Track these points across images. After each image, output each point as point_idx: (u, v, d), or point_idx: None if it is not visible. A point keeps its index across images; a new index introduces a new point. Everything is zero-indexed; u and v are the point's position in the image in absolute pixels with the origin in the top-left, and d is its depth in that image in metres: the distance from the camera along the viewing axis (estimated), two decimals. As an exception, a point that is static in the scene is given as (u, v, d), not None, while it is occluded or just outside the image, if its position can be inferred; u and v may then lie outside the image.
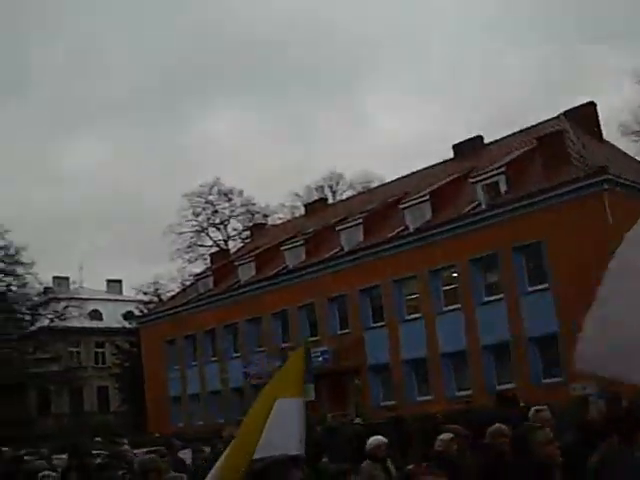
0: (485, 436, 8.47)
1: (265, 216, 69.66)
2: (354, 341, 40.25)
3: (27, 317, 63.94)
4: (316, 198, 60.91)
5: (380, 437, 10.86)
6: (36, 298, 63.33)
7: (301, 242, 45.76)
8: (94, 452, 16.27)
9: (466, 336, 35.51)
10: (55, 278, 69.39)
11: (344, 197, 62.87)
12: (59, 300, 63.58)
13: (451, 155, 46.09)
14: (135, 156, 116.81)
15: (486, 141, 44.66)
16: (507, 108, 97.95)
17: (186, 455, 16.75)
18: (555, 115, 40.35)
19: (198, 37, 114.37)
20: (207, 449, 15.93)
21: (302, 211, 59.38)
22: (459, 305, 36.20)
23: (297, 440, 6.56)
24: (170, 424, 46.07)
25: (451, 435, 9.30)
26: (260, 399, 6.51)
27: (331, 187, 70.33)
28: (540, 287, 33.29)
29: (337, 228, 43.87)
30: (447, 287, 37.37)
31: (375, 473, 10.05)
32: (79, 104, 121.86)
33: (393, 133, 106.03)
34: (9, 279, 62.20)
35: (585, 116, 38.86)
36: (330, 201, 60.01)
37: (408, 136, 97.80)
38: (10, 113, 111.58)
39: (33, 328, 63.25)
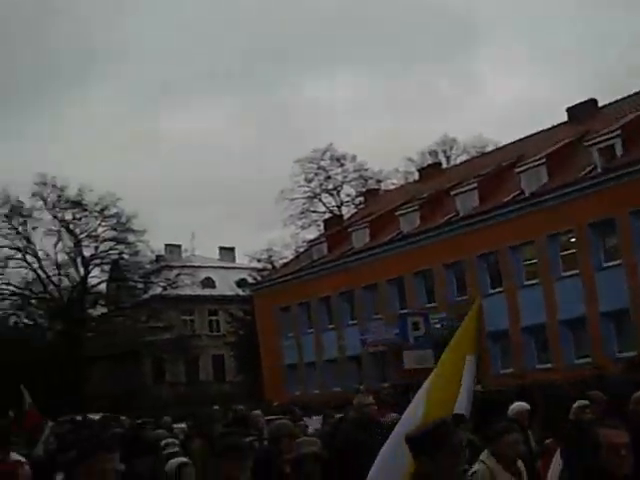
0: (620, 403, 9.07)
1: (378, 181, 71.18)
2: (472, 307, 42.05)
3: (140, 285, 67.00)
4: (430, 163, 62.54)
5: (523, 403, 11.26)
6: (148, 266, 66.12)
7: (416, 207, 47.72)
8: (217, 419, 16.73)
9: (585, 302, 37.26)
10: (167, 246, 72.30)
11: (458, 162, 64.46)
12: (171, 268, 66.18)
13: (565, 119, 47.32)
14: (247, 122, 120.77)
15: (600, 104, 45.79)
16: (621, 74, 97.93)
17: (313, 422, 18.36)
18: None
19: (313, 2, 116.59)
20: (337, 415, 16.22)
21: (416, 176, 61.21)
22: (577, 271, 37.92)
23: (467, 399, 7.15)
24: (286, 393, 48.51)
25: (586, 402, 9.99)
26: (450, 354, 6.81)
27: (445, 152, 71.41)
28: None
29: (452, 193, 45.85)
30: (565, 252, 39.15)
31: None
32: (191, 71, 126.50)
33: (506, 98, 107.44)
34: (121, 247, 65.41)
35: None
36: (444, 166, 61.41)
37: (521, 101, 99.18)
38: (122, 81, 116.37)
39: (146, 296, 66.23)
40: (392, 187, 66.74)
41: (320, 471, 6.85)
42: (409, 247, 46.29)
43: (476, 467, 7.55)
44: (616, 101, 44.79)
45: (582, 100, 46.71)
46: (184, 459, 8.41)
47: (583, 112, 45.24)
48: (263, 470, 7.44)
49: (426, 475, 4.88)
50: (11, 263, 65.14)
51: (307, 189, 72.13)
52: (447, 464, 4.86)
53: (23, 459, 9.59)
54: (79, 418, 24.48)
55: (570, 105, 47.17)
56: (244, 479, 5.84)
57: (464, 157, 66.52)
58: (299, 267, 55.52)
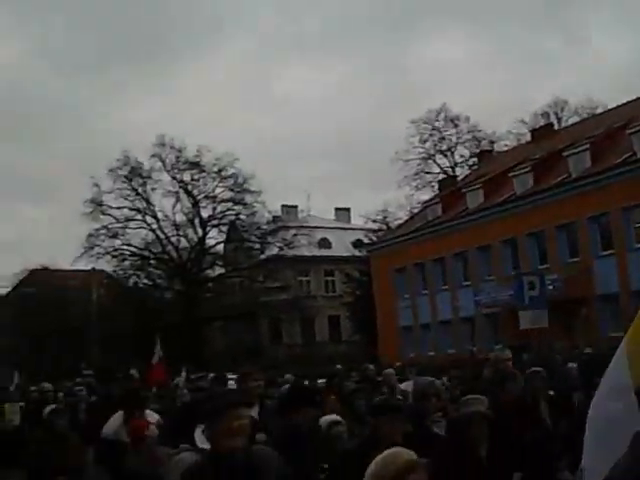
0: None
1: (491, 143, 72.74)
2: (583, 270, 44.08)
3: (256, 246, 69.69)
4: (542, 124, 63.88)
5: None
6: (265, 227, 68.60)
7: (529, 168, 49.66)
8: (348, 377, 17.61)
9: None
10: (283, 207, 74.78)
11: (569, 123, 65.68)
12: (288, 229, 68.71)
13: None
14: (362, 82, 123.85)
15: None
16: None
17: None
18: None
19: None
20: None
21: (528, 138, 62.70)
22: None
23: None
24: (401, 354, 50.26)
25: None
26: None
27: (556, 114, 72.46)
28: None
29: (564, 154, 47.68)
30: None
31: None
32: (303, 31, 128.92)
33: (617, 59, 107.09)
34: (238, 208, 68.19)
35: None
36: (556, 127, 62.76)
37: (632, 62, 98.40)
38: (238, 44, 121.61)
39: (262, 257, 68.78)
40: (505, 148, 68.39)
41: (488, 433, 7.00)
42: (522, 208, 48.15)
43: None
44: None
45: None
46: (336, 417, 8.39)
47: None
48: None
49: None
50: (131, 224, 68.87)
51: (421, 150, 74.17)
52: None
53: (156, 416, 10.33)
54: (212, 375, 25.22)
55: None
56: (400, 439, 6.11)
57: (575, 119, 67.65)
58: (414, 228, 57.85)
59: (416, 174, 74.31)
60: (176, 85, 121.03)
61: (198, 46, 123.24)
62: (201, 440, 6.11)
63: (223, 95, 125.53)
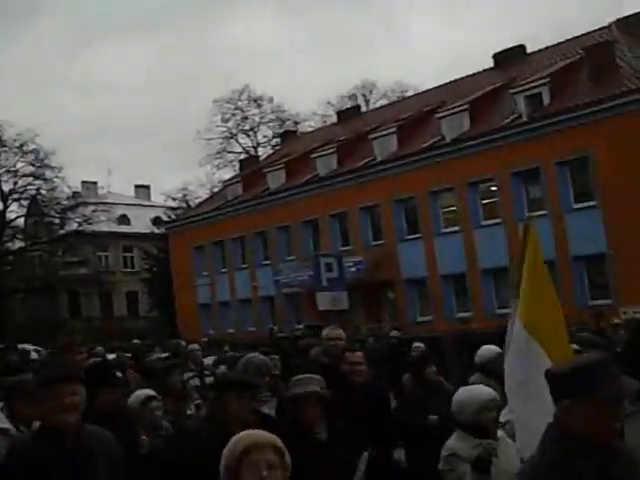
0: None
1: (296, 123, 68.26)
2: (388, 253, 38.78)
3: (56, 221, 63.80)
4: (349, 106, 59.03)
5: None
6: (65, 202, 62.82)
7: (333, 150, 43.89)
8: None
9: (508, 251, 33.51)
10: (84, 183, 68.71)
11: (378, 106, 60.73)
12: (87, 204, 62.99)
13: (492, 65, 43.70)
14: (166, 62, 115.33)
15: (529, 51, 42.29)
16: (554, 20, 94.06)
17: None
18: (605, 25, 37.85)
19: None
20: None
21: (334, 119, 57.46)
22: (499, 220, 34.31)
23: None
24: (200, 331, 44.87)
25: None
26: (539, 277, 5.59)
27: (364, 96, 68.25)
28: (586, 204, 31.53)
29: (370, 137, 42.00)
30: (486, 201, 35.57)
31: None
32: (111, 11, 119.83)
33: (429, 43, 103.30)
34: (39, 183, 62.18)
35: (637, 26, 35.93)
36: (363, 110, 57.76)
37: (445, 46, 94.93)
38: (43, 22, 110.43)
39: (62, 232, 63.07)
40: (310, 130, 63.08)
41: (324, 414, 6.04)
42: (325, 189, 42.39)
43: None
44: (546, 48, 41.16)
45: (510, 46, 42.96)
46: (151, 392, 7.07)
47: (511, 58, 41.56)
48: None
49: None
50: None
51: (224, 129, 69.05)
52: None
53: None
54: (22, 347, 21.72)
55: (497, 51, 43.52)
56: (250, 417, 5.48)
57: (384, 102, 62.96)
58: (214, 207, 51.29)
59: (218, 153, 69.20)
60: None
61: (9, 22, 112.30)
62: (1, 420, 5.68)
63: (27, 71, 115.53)
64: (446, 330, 27.60)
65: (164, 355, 15.55)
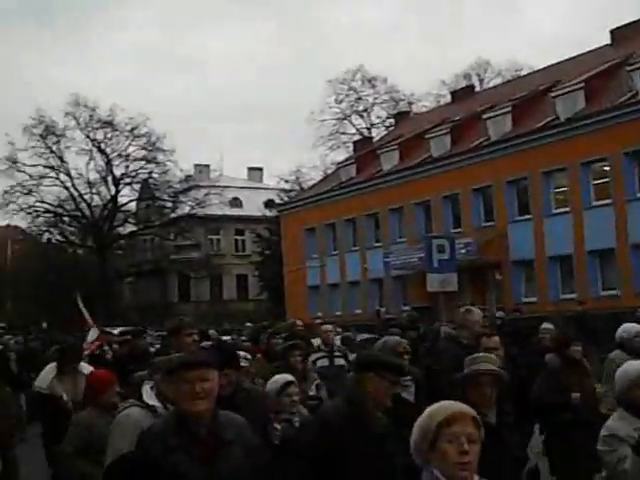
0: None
1: (410, 104, 69.22)
2: (498, 234, 40.39)
3: (168, 204, 67.03)
4: (463, 86, 59.94)
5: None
6: (177, 186, 65.93)
7: (446, 130, 45.63)
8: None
9: (615, 233, 35.09)
10: (196, 166, 71.79)
11: (492, 85, 61.87)
12: (200, 188, 65.84)
13: (608, 41, 44.51)
14: (279, 42, 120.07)
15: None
16: None
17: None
18: None
19: None
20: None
21: (448, 99, 58.83)
22: (610, 201, 35.60)
23: None
24: (308, 313, 46.75)
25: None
26: None
27: (478, 75, 69.10)
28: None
29: (484, 116, 43.56)
30: (598, 181, 36.80)
31: None
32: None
33: (544, 20, 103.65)
34: (151, 166, 65.74)
35: None
36: (477, 89, 58.95)
37: (559, 24, 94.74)
38: (152, 4, 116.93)
39: (174, 215, 66.11)
40: (424, 110, 64.57)
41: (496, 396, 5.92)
42: (438, 170, 44.15)
43: None
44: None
45: (628, 22, 43.44)
46: (289, 376, 7.18)
47: (628, 34, 41.98)
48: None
49: None
50: (45, 181, 66.64)
51: (337, 110, 70.60)
52: None
53: (91, 368, 9.53)
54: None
55: (614, 27, 44.24)
56: (389, 400, 5.57)
57: (498, 81, 64.00)
58: (327, 188, 53.72)
59: (331, 135, 70.84)
60: (92, 43, 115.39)
61: (110, 6, 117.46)
62: (149, 396, 5.84)
63: (140, 55, 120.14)
64: (555, 311, 28.92)
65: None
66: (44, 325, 25.20)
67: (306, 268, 52.74)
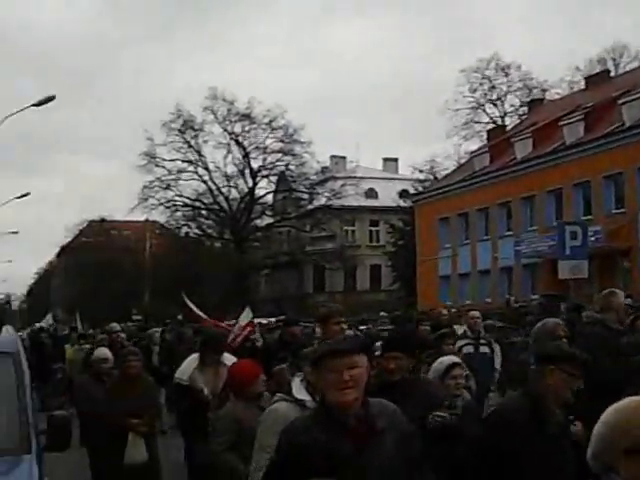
0: None
1: (543, 91, 68.92)
2: (628, 221, 41.41)
3: (305, 196, 69.19)
4: (597, 71, 59.61)
5: None
6: (314, 177, 68.07)
7: (580, 117, 46.66)
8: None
9: None
10: (332, 157, 73.89)
11: (628, 70, 61.13)
12: (336, 179, 67.77)
13: None
14: (410, 33, 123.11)
15: None
16: None
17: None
18: None
19: None
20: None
21: (582, 85, 59.11)
22: None
23: None
24: (438, 303, 46.19)
25: None
26: None
27: (614, 60, 67.99)
28: None
29: (619, 102, 44.47)
30: None
31: None
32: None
33: None
34: (288, 158, 68.01)
35: None
36: (613, 74, 58.65)
37: None
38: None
39: (310, 207, 68.39)
40: (557, 97, 64.72)
41: None
42: (571, 158, 45.39)
43: None
44: None
45: None
46: (454, 358, 7.51)
47: None
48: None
49: None
50: (183, 176, 69.45)
51: (471, 99, 70.90)
52: None
53: (233, 359, 9.50)
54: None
55: None
56: (570, 395, 5.43)
57: (635, 65, 62.72)
58: (460, 178, 55.63)
59: (465, 124, 70.97)
60: (229, 39, 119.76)
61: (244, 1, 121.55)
62: (299, 390, 5.92)
63: (272, 48, 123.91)
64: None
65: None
66: (179, 317, 26.83)
67: (438, 258, 54.77)
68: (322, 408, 4.47)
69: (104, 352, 11.34)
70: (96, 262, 72.30)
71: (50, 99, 39.39)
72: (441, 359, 7.25)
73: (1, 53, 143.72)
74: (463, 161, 63.09)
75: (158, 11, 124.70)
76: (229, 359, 9.55)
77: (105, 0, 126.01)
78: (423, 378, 6.85)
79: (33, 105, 39.57)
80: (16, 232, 73.46)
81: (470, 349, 11.86)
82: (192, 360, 9.90)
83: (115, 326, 18.78)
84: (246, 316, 16.10)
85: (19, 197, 53.11)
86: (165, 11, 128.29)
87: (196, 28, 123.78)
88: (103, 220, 78.61)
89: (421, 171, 67.78)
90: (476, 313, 13.62)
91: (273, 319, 22.81)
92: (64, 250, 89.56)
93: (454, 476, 5.89)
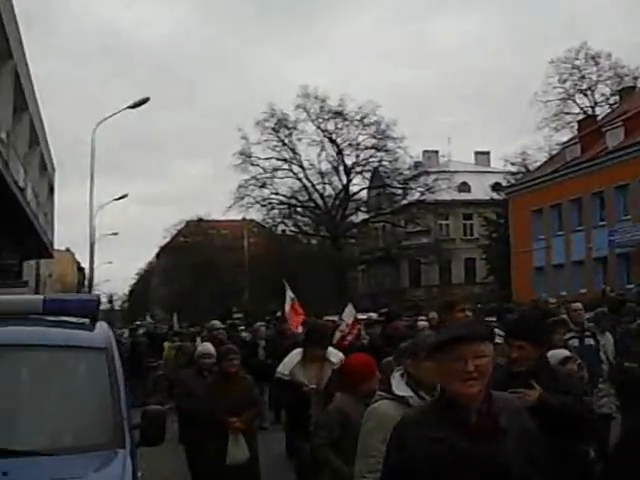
0: None
1: (635, 79, 67.58)
2: None
3: (398, 191, 69.38)
4: None
5: None
6: (407, 172, 68.39)
7: (672, 104, 46.52)
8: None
9: None
10: (425, 152, 73.65)
11: None
12: (429, 174, 67.73)
13: None
14: (501, 26, 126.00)
15: None
16: None
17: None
18: None
19: None
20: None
21: (677, 69, 58.42)
22: None
23: None
24: (533, 294, 46.13)
25: None
26: None
27: None
28: None
29: None
30: None
31: None
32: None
33: None
34: (381, 154, 68.38)
35: None
36: None
37: None
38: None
39: (404, 202, 68.53)
40: (649, 84, 64.44)
41: None
42: (664, 146, 45.27)
43: None
44: None
45: None
46: (566, 352, 7.35)
47: None
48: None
49: None
50: (278, 174, 70.45)
51: (561, 90, 70.02)
52: None
53: (341, 355, 9.39)
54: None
55: None
56: None
57: None
58: (552, 169, 55.73)
59: (555, 115, 70.16)
60: (319, 36, 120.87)
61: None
62: (399, 385, 5.60)
63: (362, 45, 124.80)
64: None
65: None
66: (278, 314, 27.14)
67: (532, 250, 55.01)
68: (439, 402, 4.01)
69: (208, 347, 11.30)
70: (195, 262, 73.36)
71: (144, 101, 40.66)
72: (551, 352, 6.87)
73: (102, 56, 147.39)
74: (554, 152, 62.89)
75: (249, 13, 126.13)
76: (334, 354, 9.40)
77: (197, 2, 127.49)
78: (554, 368, 6.43)
79: (129, 107, 40.61)
80: (116, 233, 75.68)
81: (575, 342, 11.57)
82: (295, 354, 9.59)
83: (216, 323, 18.69)
84: (349, 313, 15.87)
85: (117, 199, 55.32)
86: (255, 13, 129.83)
87: (286, 28, 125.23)
88: (200, 220, 79.60)
89: (513, 164, 68.22)
90: (579, 305, 13.13)
91: (374, 314, 22.24)
92: (163, 250, 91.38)
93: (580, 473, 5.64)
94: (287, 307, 18.54)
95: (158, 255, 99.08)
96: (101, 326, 6.84)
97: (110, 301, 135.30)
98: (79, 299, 7.42)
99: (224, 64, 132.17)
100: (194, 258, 73.93)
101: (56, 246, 55.12)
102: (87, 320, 6.78)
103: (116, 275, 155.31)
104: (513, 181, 64.62)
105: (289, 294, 18.52)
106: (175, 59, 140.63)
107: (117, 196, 55.26)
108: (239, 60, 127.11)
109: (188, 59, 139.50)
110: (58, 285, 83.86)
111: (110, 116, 41.61)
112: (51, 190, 51.14)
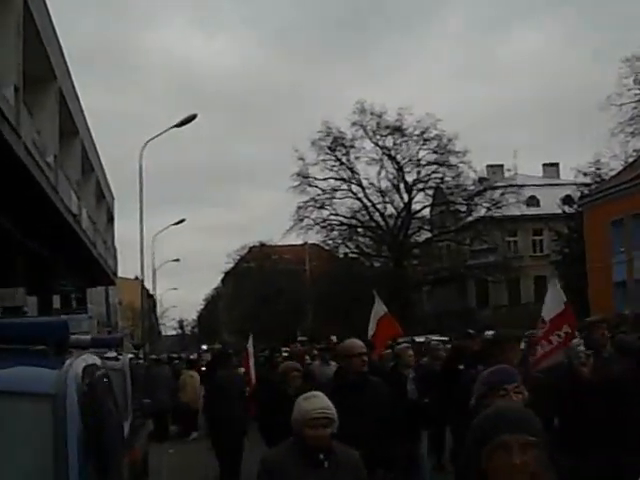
0: None
1: None
2: None
3: (463, 208, 64.84)
4: None
5: None
6: (471, 188, 64.03)
7: None
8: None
9: None
10: (489, 166, 69.07)
11: None
12: (495, 188, 63.15)
13: None
14: (569, 34, 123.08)
15: None
16: None
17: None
18: None
19: None
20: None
21: None
22: None
23: None
24: (613, 311, 42.81)
25: None
26: None
27: None
28: None
29: None
30: None
31: None
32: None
33: None
34: (443, 170, 63.73)
35: None
36: None
37: None
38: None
39: (470, 219, 64.09)
40: None
41: None
42: None
43: None
44: None
45: None
46: None
47: None
48: None
49: None
50: (337, 194, 66.25)
51: (637, 91, 62.15)
52: None
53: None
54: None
55: None
56: None
57: None
58: (631, 177, 49.53)
59: (631, 119, 63.70)
60: (374, 52, 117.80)
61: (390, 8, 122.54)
62: None
63: (414, 59, 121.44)
64: None
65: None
66: (333, 339, 23.80)
67: (612, 264, 49.57)
68: None
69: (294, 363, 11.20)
70: (258, 286, 72.79)
71: (192, 118, 38.40)
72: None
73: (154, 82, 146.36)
74: (631, 159, 56.26)
75: (301, 31, 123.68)
76: None
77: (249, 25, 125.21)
78: None
79: (175, 126, 38.52)
80: (177, 260, 75.59)
81: None
82: None
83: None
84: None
85: (175, 223, 56.21)
86: (306, 29, 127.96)
87: (340, 45, 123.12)
88: (262, 245, 78.81)
89: (586, 174, 61.79)
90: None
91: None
92: (227, 276, 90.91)
93: None
94: (373, 324, 15.16)
95: (223, 280, 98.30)
96: (70, 359, 4.80)
97: (181, 327, 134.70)
98: (35, 322, 5.49)
99: (281, 88, 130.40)
100: (258, 283, 73.85)
101: (125, 274, 57.85)
102: (50, 350, 4.70)
103: (183, 301, 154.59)
104: (586, 192, 58.51)
105: (381, 307, 15.37)
106: (235, 86, 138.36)
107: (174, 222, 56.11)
108: (292, 82, 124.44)
109: (248, 85, 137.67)
110: (129, 312, 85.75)
111: (155, 137, 40.17)
112: (110, 219, 50.09)
